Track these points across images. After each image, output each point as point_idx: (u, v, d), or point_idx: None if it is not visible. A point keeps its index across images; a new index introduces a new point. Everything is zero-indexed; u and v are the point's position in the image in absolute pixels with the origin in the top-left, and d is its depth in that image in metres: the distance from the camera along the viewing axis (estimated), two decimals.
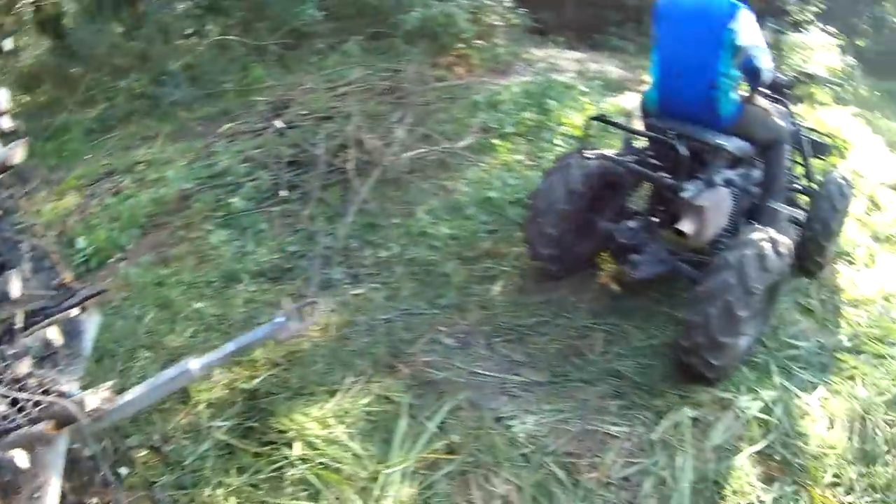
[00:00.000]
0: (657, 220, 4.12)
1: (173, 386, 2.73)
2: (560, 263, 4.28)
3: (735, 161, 3.99)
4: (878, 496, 3.38)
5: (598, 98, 7.40)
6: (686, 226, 3.58)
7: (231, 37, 8.42)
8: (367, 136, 5.35)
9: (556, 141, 5.99)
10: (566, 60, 9.32)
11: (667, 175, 3.80)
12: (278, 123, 5.71)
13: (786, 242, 3.63)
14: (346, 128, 5.46)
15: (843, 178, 4.69)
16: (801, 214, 4.49)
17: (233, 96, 7.92)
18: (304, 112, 6.03)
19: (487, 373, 3.75)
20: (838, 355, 4.15)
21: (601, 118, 4.10)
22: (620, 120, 4.66)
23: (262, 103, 6.77)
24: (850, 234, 5.35)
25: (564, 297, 4.34)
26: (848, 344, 4.25)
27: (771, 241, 3.53)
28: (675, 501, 3.13)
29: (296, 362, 3.65)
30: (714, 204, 3.65)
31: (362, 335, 3.92)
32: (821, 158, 5.03)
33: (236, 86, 7.92)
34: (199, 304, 4.28)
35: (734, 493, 3.22)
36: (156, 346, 3.94)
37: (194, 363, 2.68)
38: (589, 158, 3.94)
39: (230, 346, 2.84)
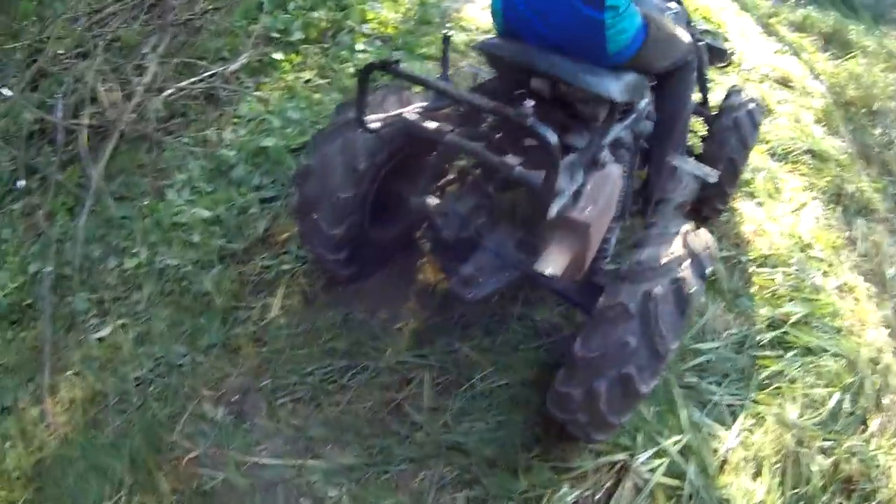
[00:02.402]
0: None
1: None
2: (353, 265, 2.95)
3: (624, 107, 2.74)
4: None
5: None
6: (551, 264, 2.22)
7: None
8: (103, 85, 3.79)
9: (357, 47, 4.57)
10: None
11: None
12: (6, 91, 4.07)
13: (708, 243, 2.48)
14: (88, 73, 3.88)
15: (754, 101, 3.71)
16: (711, 172, 3.27)
17: None
18: (62, 52, 4.33)
19: (277, 461, 2.64)
20: (760, 357, 3.25)
21: (386, 65, 2.23)
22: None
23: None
24: None
25: (370, 314, 3.10)
26: (769, 336, 3.34)
27: (690, 254, 2.35)
28: None
29: (48, 476, 2.72)
30: (602, 208, 2.37)
31: (115, 415, 2.86)
32: (717, 66, 4.04)
33: None
34: None
35: None
36: None
37: None
38: (370, 129, 2.40)
39: None
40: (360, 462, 2.61)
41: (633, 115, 2.81)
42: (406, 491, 2.55)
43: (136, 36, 4.24)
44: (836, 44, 7.51)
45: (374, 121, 2.38)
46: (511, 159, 2.18)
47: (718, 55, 3.93)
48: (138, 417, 2.78)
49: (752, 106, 3.66)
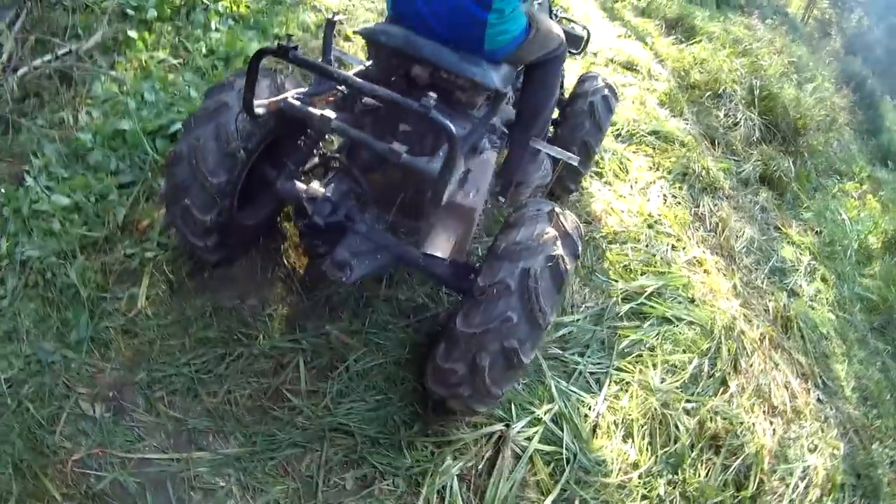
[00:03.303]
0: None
1: None
2: (222, 250, 2.89)
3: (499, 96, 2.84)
4: None
5: None
6: (439, 247, 2.42)
7: None
8: None
9: (212, 25, 4.47)
10: None
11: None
12: None
13: (575, 223, 2.60)
14: None
15: (608, 87, 3.91)
16: (573, 156, 3.39)
17: None
18: None
19: (162, 456, 2.58)
20: (619, 328, 3.47)
21: (281, 50, 2.24)
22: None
23: None
24: None
25: (239, 300, 3.08)
26: (626, 308, 3.57)
27: (562, 233, 2.46)
28: None
29: None
30: (483, 193, 2.55)
31: None
32: (572, 53, 4.06)
33: None
34: None
35: None
36: None
37: None
38: (256, 114, 2.41)
39: None
40: (246, 451, 2.60)
41: (502, 103, 2.91)
42: (294, 475, 2.57)
43: None
44: (680, 29, 8.02)
45: (259, 106, 2.40)
46: (398, 146, 2.26)
47: (574, 42, 4.03)
48: (16, 421, 2.64)
49: (606, 91, 3.84)
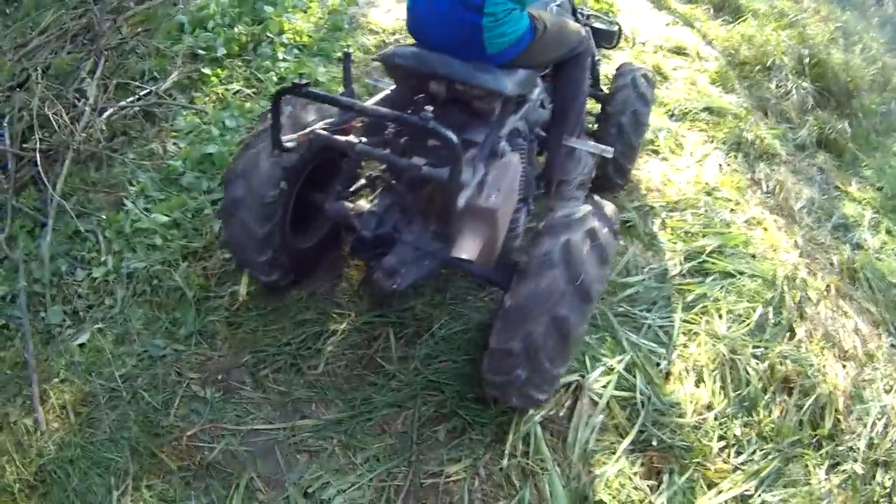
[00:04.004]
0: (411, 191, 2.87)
1: None
2: (278, 271, 3.15)
3: (519, 99, 3.04)
4: (769, 446, 3.13)
5: None
6: (465, 250, 2.46)
7: None
8: (51, 108, 3.95)
9: (279, 55, 4.94)
10: None
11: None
12: None
13: (612, 210, 2.78)
14: (33, 99, 4.04)
15: (645, 78, 4.04)
16: (607, 149, 3.51)
17: None
18: None
19: (269, 426, 2.91)
20: (682, 284, 3.71)
21: (297, 89, 2.46)
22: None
23: None
24: None
25: (330, 290, 3.44)
26: (688, 266, 3.81)
27: (598, 213, 2.63)
28: None
29: (51, 480, 2.75)
30: (506, 194, 2.65)
31: (108, 412, 2.97)
32: (605, 47, 4.28)
33: None
34: None
35: None
36: None
37: None
38: (286, 148, 2.65)
39: None
40: (346, 415, 2.92)
41: (526, 106, 3.12)
42: (391, 433, 2.86)
43: (70, 63, 4.43)
44: (727, 10, 8.16)
45: (289, 140, 2.63)
46: (417, 160, 2.45)
47: (606, 37, 4.17)
48: (132, 409, 2.96)
49: (643, 84, 3.96)
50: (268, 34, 5.10)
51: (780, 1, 8.83)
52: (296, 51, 5.10)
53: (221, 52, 4.85)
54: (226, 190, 2.96)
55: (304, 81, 2.44)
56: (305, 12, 5.57)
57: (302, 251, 3.27)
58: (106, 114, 4.18)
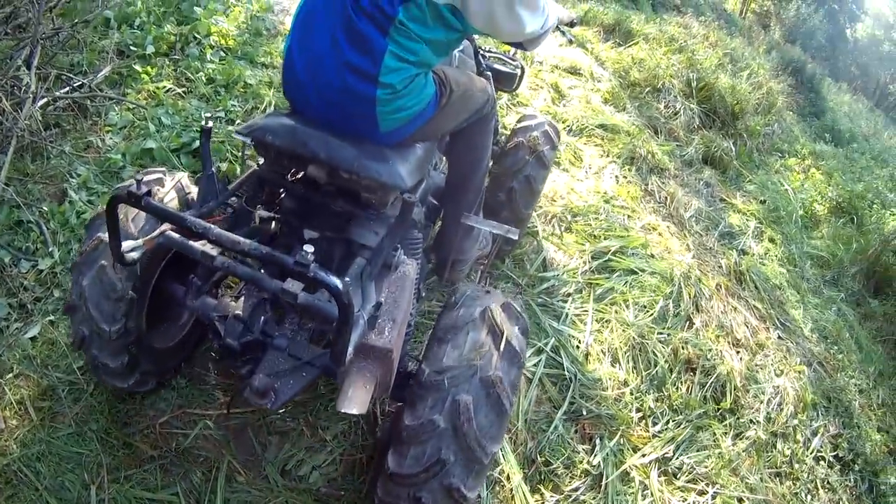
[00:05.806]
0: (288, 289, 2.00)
1: None
2: (132, 376, 2.79)
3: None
4: (680, 417, 3.74)
5: None
6: (356, 403, 2.08)
7: None
8: None
9: (208, 56, 5.17)
10: None
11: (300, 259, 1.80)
12: None
13: (515, 316, 2.43)
14: None
15: (551, 126, 3.95)
16: (511, 229, 3.15)
17: None
18: None
19: (239, 410, 3.10)
20: (592, 279, 4.34)
21: (133, 197, 1.96)
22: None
23: None
24: None
25: None
26: (595, 264, 4.46)
27: (499, 341, 2.28)
28: (517, 499, 3.03)
29: (17, 481, 2.77)
30: (401, 324, 2.29)
31: (70, 405, 3.03)
32: (506, 91, 4.11)
33: None
34: None
35: (566, 467, 3.24)
36: None
37: None
38: (129, 261, 2.14)
39: None
40: (308, 396, 3.14)
41: (423, 187, 2.89)
42: None
43: (3, 50, 4.54)
44: (618, 33, 9.01)
45: (132, 249, 2.14)
46: (293, 286, 1.93)
47: (507, 81, 3.94)
48: (96, 400, 3.00)
49: (549, 131, 3.87)
50: (195, 35, 5.35)
51: (671, 27, 9.71)
52: (222, 53, 5.35)
53: (150, 49, 5.05)
54: (71, 322, 2.69)
55: (144, 189, 1.99)
56: (227, 16, 5.79)
57: (159, 351, 2.94)
58: (41, 102, 4.25)
